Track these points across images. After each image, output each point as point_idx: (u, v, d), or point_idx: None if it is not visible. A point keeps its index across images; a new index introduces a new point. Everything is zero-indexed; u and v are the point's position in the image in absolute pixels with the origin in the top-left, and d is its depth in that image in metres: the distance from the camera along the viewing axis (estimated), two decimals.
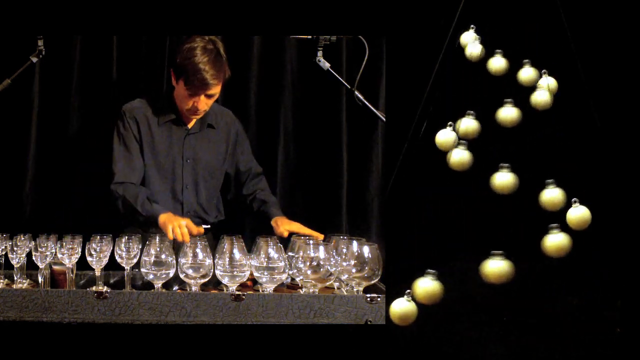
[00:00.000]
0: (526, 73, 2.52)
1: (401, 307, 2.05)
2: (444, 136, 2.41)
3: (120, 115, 3.08)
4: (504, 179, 2.37)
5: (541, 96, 2.49)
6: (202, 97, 2.96)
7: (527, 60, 2.53)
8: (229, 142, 3.21)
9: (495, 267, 2.12)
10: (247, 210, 3.26)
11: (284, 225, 2.95)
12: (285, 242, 2.46)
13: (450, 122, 2.41)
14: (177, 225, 2.69)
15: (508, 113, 2.48)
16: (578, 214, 2.26)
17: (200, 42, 2.94)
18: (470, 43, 2.50)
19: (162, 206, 2.95)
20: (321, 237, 2.64)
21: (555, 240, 2.23)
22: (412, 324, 2.06)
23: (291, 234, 2.82)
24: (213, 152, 3.17)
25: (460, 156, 2.40)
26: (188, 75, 2.91)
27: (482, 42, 2.52)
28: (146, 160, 3.07)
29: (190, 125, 3.12)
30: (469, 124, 2.43)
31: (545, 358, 2.68)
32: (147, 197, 2.95)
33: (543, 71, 2.52)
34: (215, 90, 2.97)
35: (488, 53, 2.53)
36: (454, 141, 2.40)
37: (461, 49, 2.51)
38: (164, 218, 2.80)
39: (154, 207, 2.91)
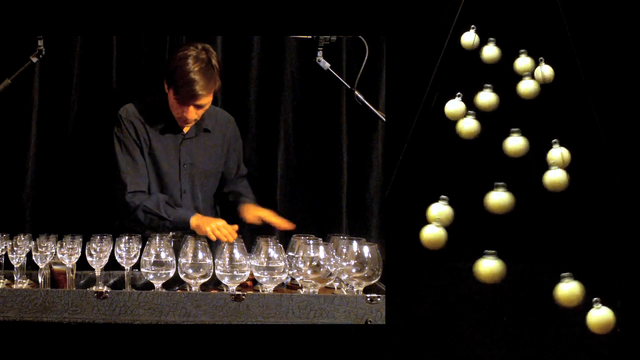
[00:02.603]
0: (522, 62, 2.53)
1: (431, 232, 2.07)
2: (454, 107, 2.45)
3: (117, 121, 3.05)
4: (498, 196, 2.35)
5: (527, 85, 2.49)
6: (191, 107, 2.92)
7: (523, 50, 2.54)
8: (225, 144, 3.19)
9: (488, 266, 2.12)
10: (222, 204, 3.26)
11: (252, 212, 2.97)
12: (286, 242, 2.46)
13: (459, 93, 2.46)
14: (216, 227, 2.71)
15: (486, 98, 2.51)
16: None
17: (193, 51, 2.89)
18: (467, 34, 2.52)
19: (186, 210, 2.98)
20: (292, 226, 2.80)
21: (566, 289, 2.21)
22: (413, 324, 2.06)
23: (265, 224, 2.94)
24: (209, 156, 3.15)
25: (470, 125, 2.41)
26: (177, 85, 2.87)
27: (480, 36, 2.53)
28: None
29: (186, 130, 3.08)
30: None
31: (545, 358, 2.68)
32: (165, 201, 2.96)
33: (540, 59, 2.50)
34: (205, 100, 2.92)
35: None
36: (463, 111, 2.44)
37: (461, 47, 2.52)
38: (196, 221, 2.82)
39: (178, 211, 2.92)
